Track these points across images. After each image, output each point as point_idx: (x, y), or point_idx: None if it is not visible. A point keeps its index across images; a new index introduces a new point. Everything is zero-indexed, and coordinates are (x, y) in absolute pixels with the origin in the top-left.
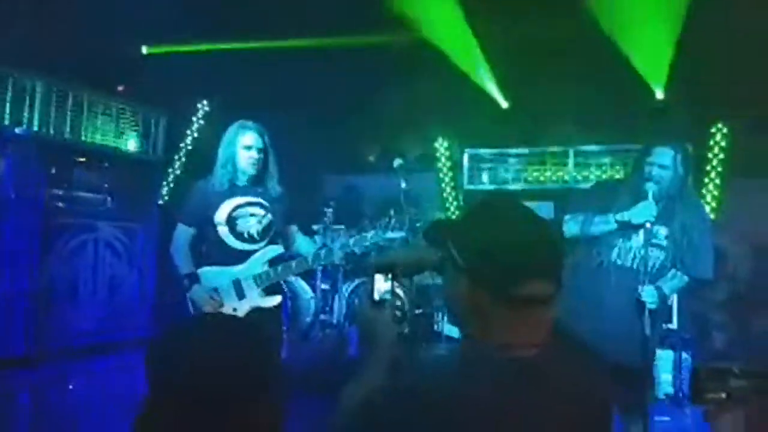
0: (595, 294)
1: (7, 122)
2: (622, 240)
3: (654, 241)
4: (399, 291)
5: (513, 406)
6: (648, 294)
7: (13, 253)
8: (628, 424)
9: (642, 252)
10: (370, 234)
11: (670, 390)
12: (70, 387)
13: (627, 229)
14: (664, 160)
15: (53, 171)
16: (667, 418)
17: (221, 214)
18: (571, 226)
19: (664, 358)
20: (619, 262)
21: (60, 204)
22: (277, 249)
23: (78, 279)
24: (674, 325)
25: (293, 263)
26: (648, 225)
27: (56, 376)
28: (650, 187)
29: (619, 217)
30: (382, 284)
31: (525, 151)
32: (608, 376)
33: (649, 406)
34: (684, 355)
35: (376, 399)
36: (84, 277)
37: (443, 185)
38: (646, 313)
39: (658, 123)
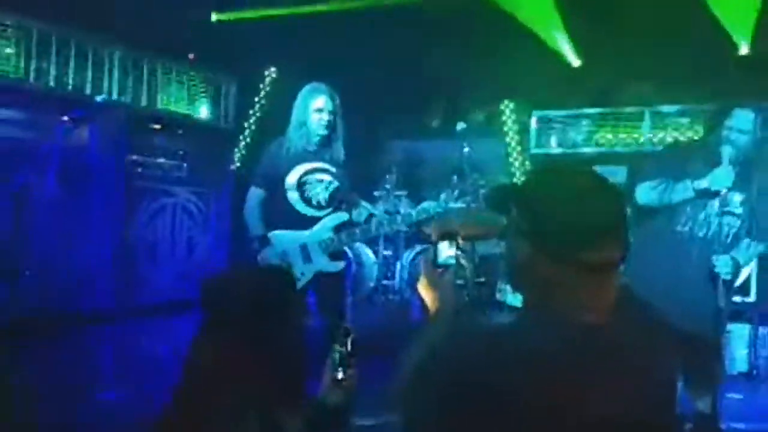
0: (667, 264)
1: (88, 91)
2: (695, 208)
3: (728, 208)
4: (462, 260)
5: (576, 372)
6: (722, 264)
7: (99, 215)
8: (696, 399)
9: (717, 220)
10: (432, 205)
11: (745, 367)
12: (151, 341)
13: (705, 196)
14: (744, 123)
15: (132, 138)
16: (740, 396)
17: (291, 179)
18: (647, 194)
19: (740, 332)
20: (692, 230)
21: (140, 169)
22: (342, 216)
23: (157, 240)
24: (752, 298)
25: (357, 230)
26: (724, 192)
27: (138, 330)
28: (726, 150)
29: (696, 185)
30: (445, 249)
31: (597, 112)
32: (675, 345)
33: (720, 381)
34: (762, 330)
35: (438, 360)
36: (163, 239)
37: (510, 149)
38: (720, 283)
39: (743, 80)
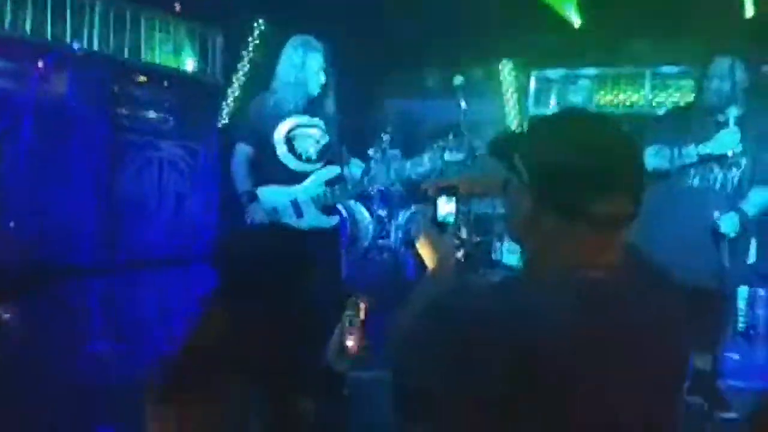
0: (669, 222)
1: (68, 40)
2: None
3: (732, 160)
4: (459, 220)
5: (582, 330)
6: (727, 223)
7: (81, 167)
8: (696, 357)
9: (718, 171)
10: (426, 156)
11: (742, 327)
12: (137, 296)
13: (709, 161)
14: (722, 70)
15: (115, 89)
16: (736, 356)
17: (280, 133)
18: (651, 160)
19: (738, 293)
20: (694, 184)
21: (124, 122)
22: (334, 170)
23: (143, 195)
24: (750, 260)
25: (350, 185)
26: (730, 154)
27: (124, 286)
28: (732, 111)
29: (701, 149)
30: (444, 206)
31: (597, 72)
32: (685, 302)
33: (723, 340)
34: (761, 291)
35: (440, 315)
36: (150, 194)
37: (507, 110)
38: (725, 243)
39: (746, 41)
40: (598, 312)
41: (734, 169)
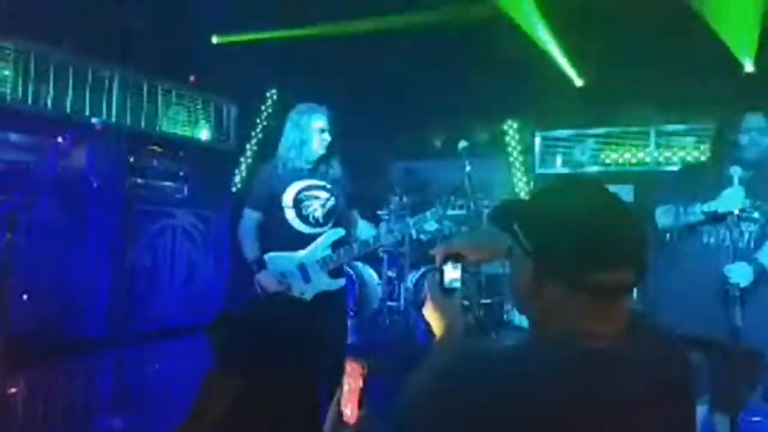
0: (681, 281)
1: (87, 113)
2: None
3: (744, 214)
4: (467, 280)
5: (583, 401)
6: (738, 273)
7: (96, 239)
8: (716, 421)
9: (737, 228)
10: (429, 212)
11: (763, 387)
12: (150, 367)
13: (716, 220)
14: (758, 123)
15: (132, 160)
16: (758, 418)
17: (288, 198)
18: (664, 220)
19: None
20: (709, 242)
21: (139, 192)
22: (340, 232)
23: (157, 264)
24: None
25: (355, 246)
26: (736, 213)
27: (136, 357)
28: (735, 171)
29: (706, 207)
30: (451, 272)
31: (602, 131)
32: (692, 369)
33: (743, 405)
34: None
35: (443, 384)
36: (163, 263)
37: (513, 170)
38: (737, 296)
39: (748, 98)
40: (599, 383)
41: (747, 225)
